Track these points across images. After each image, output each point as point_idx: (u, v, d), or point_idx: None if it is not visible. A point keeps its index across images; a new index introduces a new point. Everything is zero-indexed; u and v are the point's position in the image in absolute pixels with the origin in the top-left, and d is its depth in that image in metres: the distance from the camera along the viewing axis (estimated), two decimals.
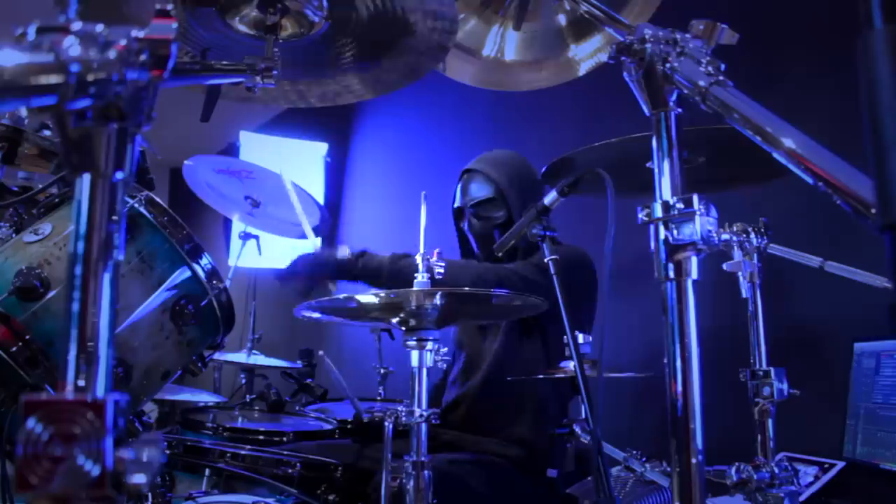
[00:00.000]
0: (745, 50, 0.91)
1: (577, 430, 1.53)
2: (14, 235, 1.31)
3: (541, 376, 1.76)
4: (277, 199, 2.67)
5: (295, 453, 1.62)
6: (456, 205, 2.11)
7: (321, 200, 3.21)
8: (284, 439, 2.01)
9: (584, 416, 1.31)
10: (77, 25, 0.49)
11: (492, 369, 1.92)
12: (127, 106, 0.51)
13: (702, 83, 0.75)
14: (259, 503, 1.56)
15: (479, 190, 2.04)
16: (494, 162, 2.06)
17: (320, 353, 1.75)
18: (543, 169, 1.52)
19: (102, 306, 0.50)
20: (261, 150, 4.43)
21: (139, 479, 0.47)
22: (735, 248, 1.18)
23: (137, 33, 0.51)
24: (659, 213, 0.76)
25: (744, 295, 1.18)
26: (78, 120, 0.50)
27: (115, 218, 0.51)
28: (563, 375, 1.53)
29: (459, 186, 2.10)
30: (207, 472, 1.64)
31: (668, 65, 0.78)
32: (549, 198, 1.39)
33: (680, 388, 0.73)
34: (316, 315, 1.43)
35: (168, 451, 1.62)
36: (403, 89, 1.36)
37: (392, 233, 4.00)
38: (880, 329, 1.74)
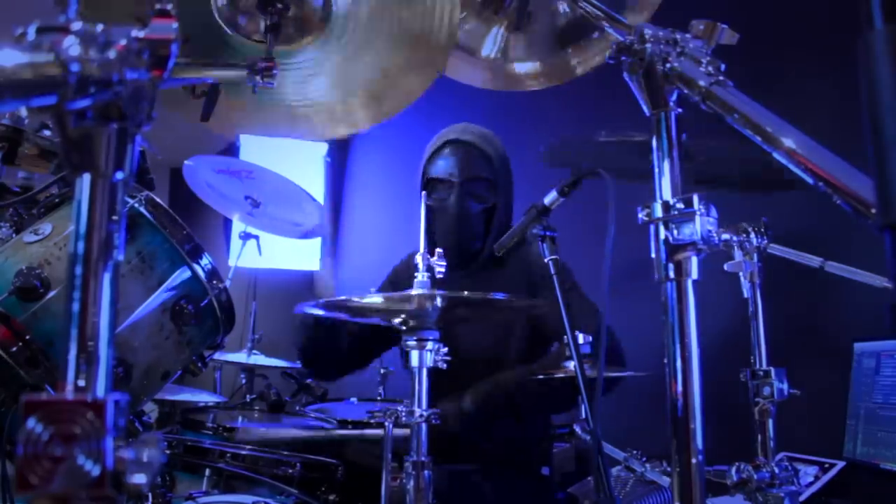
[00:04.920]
0: (745, 50, 0.91)
1: (577, 430, 1.54)
2: (14, 235, 1.31)
3: (541, 376, 1.76)
4: (277, 199, 2.68)
5: (295, 453, 1.62)
6: (441, 176, 1.93)
7: (321, 200, 3.20)
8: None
9: (584, 416, 1.31)
10: (77, 25, 0.49)
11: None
12: (127, 106, 0.51)
13: (702, 83, 0.75)
14: (259, 503, 1.55)
15: (482, 168, 1.93)
16: (490, 142, 1.97)
17: None
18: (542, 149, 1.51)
19: (102, 306, 0.50)
20: (261, 150, 4.42)
21: (139, 479, 0.47)
22: (735, 248, 1.17)
23: (137, 33, 0.51)
24: (659, 213, 0.76)
25: (744, 295, 1.18)
26: (78, 120, 0.50)
27: (115, 218, 0.51)
28: (562, 375, 1.53)
29: (456, 157, 1.94)
30: (207, 472, 1.64)
31: (668, 65, 0.78)
32: (550, 198, 1.39)
33: (680, 388, 0.73)
34: (319, 312, 1.43)
35: (168, 451, 1.62)
36: None
37: (392, 233, 4.00)
38: (880, 329, 1.74)
